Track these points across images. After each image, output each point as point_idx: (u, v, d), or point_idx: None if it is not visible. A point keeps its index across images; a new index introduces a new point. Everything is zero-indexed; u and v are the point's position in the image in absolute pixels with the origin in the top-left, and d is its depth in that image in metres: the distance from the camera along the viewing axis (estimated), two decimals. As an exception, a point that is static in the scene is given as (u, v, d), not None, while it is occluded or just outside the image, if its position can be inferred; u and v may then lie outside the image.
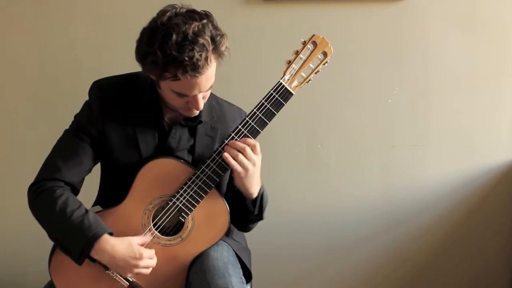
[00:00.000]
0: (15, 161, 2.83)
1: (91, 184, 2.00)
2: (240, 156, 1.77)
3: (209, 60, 1.67)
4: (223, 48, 1.71)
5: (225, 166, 1.80)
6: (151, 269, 1.82)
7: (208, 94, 1.81)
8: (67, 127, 1.92)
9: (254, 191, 1.87)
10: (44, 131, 2.66)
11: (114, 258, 1.75)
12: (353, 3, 2.70)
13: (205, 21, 1.68)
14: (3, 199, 2.83)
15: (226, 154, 1.77)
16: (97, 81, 1.91)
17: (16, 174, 2.76)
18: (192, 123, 1.92)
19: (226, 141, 1.80)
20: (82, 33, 2.73)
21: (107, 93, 1.88)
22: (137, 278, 1.84)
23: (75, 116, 1.92)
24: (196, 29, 1.64)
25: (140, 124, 1.88)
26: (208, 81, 1.73)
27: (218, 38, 1.69)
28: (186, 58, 1.62)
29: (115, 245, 1.75)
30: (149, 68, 1.70)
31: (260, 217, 1.98)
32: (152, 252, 1.81)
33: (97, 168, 1.98)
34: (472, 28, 2.71)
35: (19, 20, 2.72)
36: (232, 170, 1.80)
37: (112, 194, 1.89)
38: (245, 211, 1.94)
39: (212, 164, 1.80)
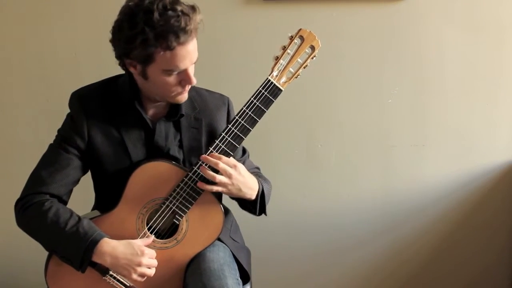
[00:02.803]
0: (15, 161, 2.84)
1: (91, 187, 2.02)
2: (218, 178, 1.79)
3: (194, 26, 1.71)
4: (198, 19, 1.74)
5: None
6: (154, 270, 1.81)
7: (193, 68, 1.81)
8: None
9: (250, 196, 1.88)
10: (44, 131, 2.65)
11: (116, 258, 1.76)
12: (353, 3, 2.69)
13: None
14: (3, 199, 2.83)
15: (200, 183, 1.80)
16: (76, 92, 1.92)
17: (16, 174, 2.75)
18: (174, 118, 1.92)
19: (223, 133, 1.81)
20: (82, 33, 2.73)
21: (88, 101, 1.88)
22: (134, 282, 1.85)
23: (59, 130, 1.92)
24: (171, 0, 1.70)
25: (125, 126, 1.88)
26: (195, 51, 1.76)
27: (191, 10, 1.73)
28: (176, 24, 1.66)
29: (115, 246, 1.76)
30: (138, 51, 1.70)
31: (263, 214, 1.98)
32: (153, 252, 1.82)
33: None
34: (471, 28, 2.69)
35: (19, 20, 2.72)
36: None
37: (107, 199, 1.89)
38: (247, 208, 1.96)
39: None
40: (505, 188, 2.86)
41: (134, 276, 1.78)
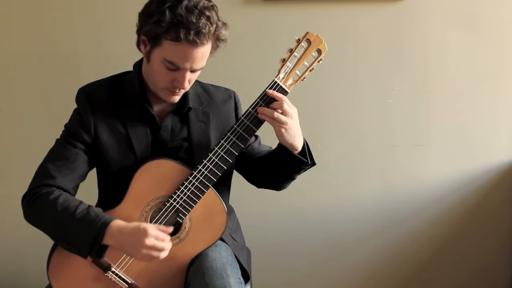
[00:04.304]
0: (15, 161, 2.84)
1: (92, 184, 2.01)
2: (276, 114, 1.77)
3: (210, 35, 1.73)
4: (222, 33, 1.77)
5: (221, 166, 1.81)
6: (165, 253, 1.74)
7: (194, 78, 1.83)
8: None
9: (299, 144, 1.86)
10: (44, 131, 2.65)
11: (122, 236, 1.72)
12: (353, 3, 2.69)
13: (213, 4, 1.76)
14: (4, 198, 2.84)
15: (261, 114, 1.80)
16: (83, 87, 1.93)
17: (16, 173, 2.77)
18: (182, 112, 1.93)
19: (228, 133, 1.81)
20: (82, 33, 2.73)
21: (95, 97, 1.89)
22: (136, 279, 1.85)
23: (66, 125, 1.92)
24: (206, 4, 1.72)
25: (131, 122, 1.89)
26: (202, 60, 1.77)
27: (220, 23, 1.76)
28: (194, 21, 1.68)
29: (123, 227, 1.74)
30: (149, 27, 1.72)
31: (313, 163, 1.95)
32: (162, 234, 1.74)
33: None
34: (472, 28, 2.70)
35: (19, 20, 2.72)
36: (274, 130, 1.81)
37: (111, 196, 1.89)
38: (290, 165, 1.92)
39: (208, 164, 1.80)
40: (505, 188, 2.87)
41: (140, 257, 1.73)
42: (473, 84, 2.76)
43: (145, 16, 1.75)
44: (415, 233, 2.93)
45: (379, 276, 2.99)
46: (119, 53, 2.61)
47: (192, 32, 1.68)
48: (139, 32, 1.80)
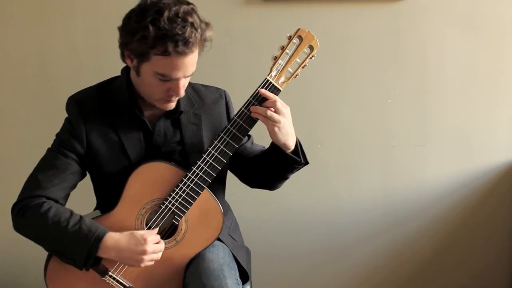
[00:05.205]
0: (15, 161, 2.84)
1: (89, 189, 2.02)
2: (269, 112, 1.77)
3: (197, 41, 1.71)
4: (207, 35, 1.75)
5: (216, 166, 1.81)
6: (161, 254, 1.81)
7: (187, 83, 1.82)
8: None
9: (292, 143, 1.85)
10: (44, 131, 2.64)
11: (119, 250, 1.76)
12: (352, 3, 2.69)
13: (192, 6, 1.73)
14: (3, 199, 2.83)
15: (254, 113, 1.79)
16: (73, 96, 1.92)
17: (16, 174, 2.74)
18: (173, 116, 1.92)
19: (221, 133, 1.80)
20: (82, 33, 2.73)
21: (86, 106, 1.88)
22: (134, 282, 1.86)
23: (57, 135, 1.92)
24: (186, 10, 1.69)
25: (123, 128, 1.88)
26: (192, 65, 1.75)
27: (203, 25, 1.73)
28: (179, 32, 1.65)
29: (118, 239, 1.76)
30: (135, 45, 1.70)
31: (306, 162, 1.94)
32: (157, 236, 1.80)
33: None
34: (471, 28, 2.69)
35: (19, 20, 2.73)
36: (267, 129, 1.81)
37: (107, 200, 1.89)
38: (283, 164, 1.91)
39: (202, 165, 1.80)
40: (505, 188, 2.86)
41: (143, 265, 1.78)
42: (472, 84, 2.75)
43: (126, 32, 1.72)
44: (415, 234, 2.92)
45: (380, 277, 2.98)
46: (119, 54, 2.60)
47: (180, 44, 1.66)
48: (122, 47, 1.77)
